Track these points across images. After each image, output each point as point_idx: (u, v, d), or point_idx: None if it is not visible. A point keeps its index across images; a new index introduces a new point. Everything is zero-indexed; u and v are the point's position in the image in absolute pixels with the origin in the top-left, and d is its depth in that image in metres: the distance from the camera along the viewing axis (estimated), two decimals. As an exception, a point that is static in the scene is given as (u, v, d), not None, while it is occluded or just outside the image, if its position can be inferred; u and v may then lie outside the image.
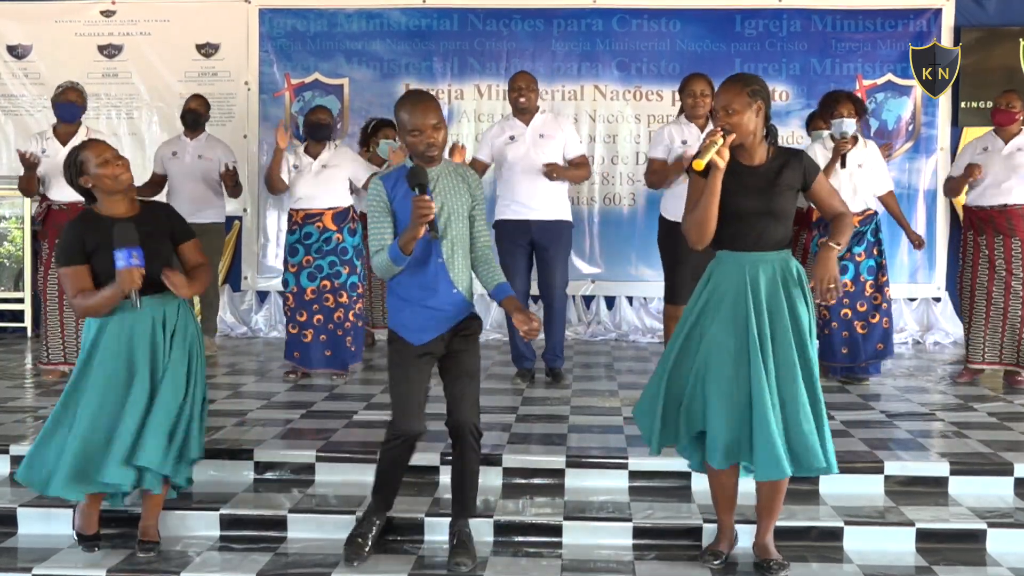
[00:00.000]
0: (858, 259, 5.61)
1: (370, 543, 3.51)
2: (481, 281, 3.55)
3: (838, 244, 3.32)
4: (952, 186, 5.99)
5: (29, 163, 5.72)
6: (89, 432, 3.36)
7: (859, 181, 5.62)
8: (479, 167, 5.81)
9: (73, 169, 3.45)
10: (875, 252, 5.68)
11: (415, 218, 3.18)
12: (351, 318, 5.82)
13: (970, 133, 7.16)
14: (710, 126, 5.49)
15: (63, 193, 5.70)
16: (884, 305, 5.70)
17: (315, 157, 5.80)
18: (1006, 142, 5.73)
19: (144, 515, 3.61)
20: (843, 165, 5.45)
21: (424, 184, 3.23)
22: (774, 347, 3.25)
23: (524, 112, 5.70)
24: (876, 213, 5.74)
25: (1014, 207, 5.68)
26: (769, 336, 3.25)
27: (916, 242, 5.88)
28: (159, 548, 3.59)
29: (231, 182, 6.63)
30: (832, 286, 3.27)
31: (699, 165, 3.22)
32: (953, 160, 6.37)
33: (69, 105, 5.83)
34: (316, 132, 5.79)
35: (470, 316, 3.47)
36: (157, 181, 6.72)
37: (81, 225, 3.43)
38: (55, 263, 3.50)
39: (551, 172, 5.56)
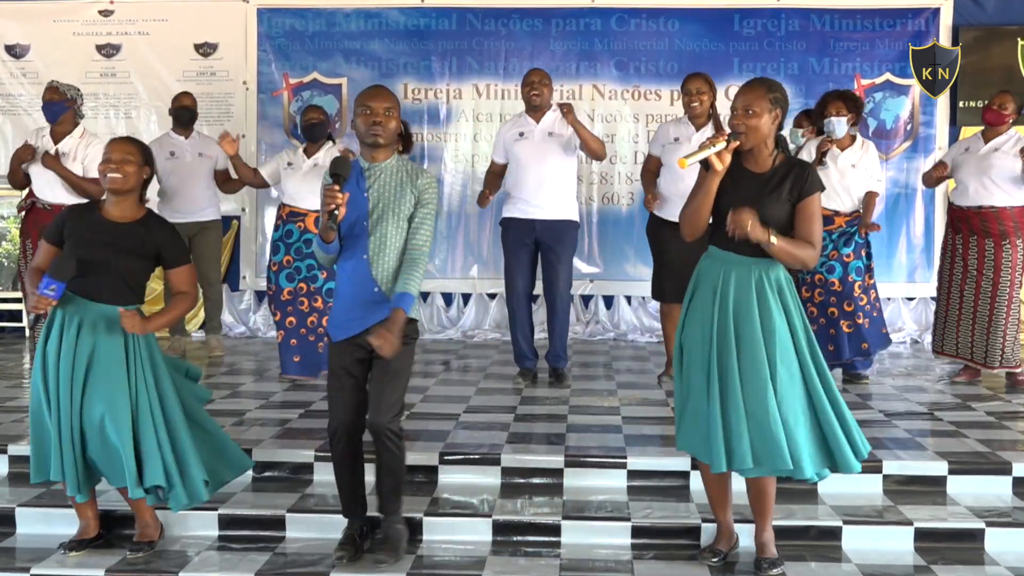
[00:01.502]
0: (846, 260, 5.61)
1: (357, 544, 3.52)
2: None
3: (771, 243, 3.18)
4: (925, 178, 6.20)
5: (23, 156, 5.72)
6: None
7: (852, 181, 5.63)
8: (496, 169, 5.81)
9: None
10: (863, 254, 5.68)
11: (321, 205, 3.26)
12: (324, 323, 5.75)
13: (968, 133, 7.16)
14: (708, 126, 5.50)
15: (49, 193, 5.71)
16: (868, 306, 5.69)
17: (310, 157, 5.78)
18: (987, 143, 5.73)
19: (137, 515, 3.61)
20: (819, 162, 5.49)
21: (339, 175, 3.25)
22: (739, 349, 3.25)
23: (537, 109, 5.66)
24: None
25: (988, 209, 5.67)
26: (734, 337, 3.25)
27: (867, 230, 5.68)
28: (151, 549, 3.58)
29: (244, 171, 6.51)
30: (740, 224, 3.14)
31: (683, 164, 3.22)
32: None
33: (48, 104, 5.77)
34: (311, 132, 5.76)
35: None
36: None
37: (72, 213, 3.53)
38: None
39: (564, 109, 5.47)
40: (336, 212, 3.22)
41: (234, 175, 6.39)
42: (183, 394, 3.55)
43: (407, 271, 3.35)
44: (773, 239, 3.19)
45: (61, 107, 5.77)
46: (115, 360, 3.40)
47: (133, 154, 3.49)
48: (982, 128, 5.85)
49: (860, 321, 5.63)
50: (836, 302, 5.59)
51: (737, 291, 3.29)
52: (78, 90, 5.99)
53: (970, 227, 5.74)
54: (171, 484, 3.40)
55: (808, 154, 5.64)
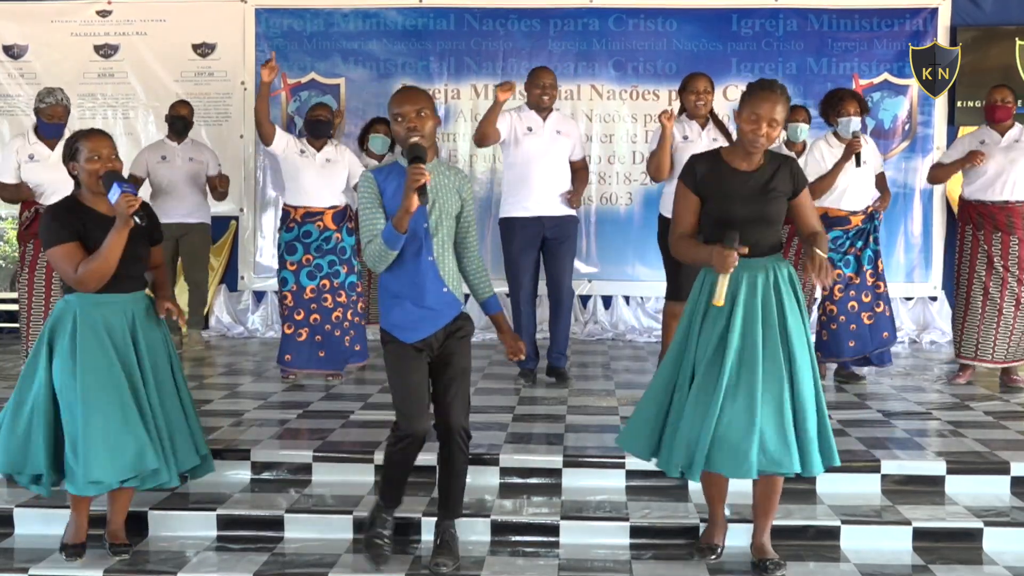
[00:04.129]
0: (859, 252, 5.62)
1: (388, 542, 3.51)
2: (471, 289, 3.54)
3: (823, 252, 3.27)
4: (939, 173, 5.91)
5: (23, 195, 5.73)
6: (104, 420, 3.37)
7: (864, 179, 5.61)
8: (494, 135, 5.62)
9: (67, 151, 3.48)
10: (871, 240, 5.67)
11: (408, 185, 3.15)
12: (350, 317, 5.77)
13: (965, 133, 7.16)
14: (710, 124, 5.49)
15: (55, 199, 5.66)
16: (884, 291, 5.71)
17: (318, 151, 5.77)
18: (1002, 135, 5.70)
19: (112, 518, 3.59)
20: (858, 164, 5.41)
21: (421, 157, 3.22)
22: (765, 352, 3.26)
23: (544, 109, 5.68)
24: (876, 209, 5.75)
25: (1015, 204, 5.65)
26: (760, 341, 3.26)
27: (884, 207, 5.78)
28: (131, 549, 3.56)
29: (224, 187, 6.80)
30: (827, 267, 3.21)
31: (720, 303, 3.20)
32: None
33: (57, 126, 5.71)
34: (316, 129, 5.76)
35: (462, 316, 3.45)
36: (136, 183, 6.69)
37: (67, 212, 3.44)
38: (43, 248, 3.48)
39: (573, 203, 5.67)
40: (425, 187, 3.16)
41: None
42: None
43: (480, 277, 3.54)
44: (822, 252, 3.25)
45: (62, 128, 5.78)
46: (158, 346, 3.54)
47: (115, 148, 3.48)
48: (983, 124, 5.83)
49: (879, 310, 5.65)
50: (855, 295, 5.61)
51: (763, 295, 3.29)
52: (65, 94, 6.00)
53: (994, 223, 5.68)
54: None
55: (831, 156, 5.51)
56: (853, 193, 5.56)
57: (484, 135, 5.58)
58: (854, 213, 5.59)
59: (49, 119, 5.69)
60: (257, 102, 5.68)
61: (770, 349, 3.26)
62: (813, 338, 5.96)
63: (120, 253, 3.35)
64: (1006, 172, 5.64)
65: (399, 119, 3.30)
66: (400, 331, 3.37)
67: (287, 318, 5.73)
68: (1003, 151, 5.66)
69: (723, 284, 3.19)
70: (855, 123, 5.47)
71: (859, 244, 5.63)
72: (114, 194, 3.31)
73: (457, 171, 3.49)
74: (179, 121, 6.78)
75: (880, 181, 5.80)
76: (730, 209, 3.27)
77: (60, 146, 5.68)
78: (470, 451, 3.51)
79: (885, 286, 5.73)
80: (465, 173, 3.53)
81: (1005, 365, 5.76)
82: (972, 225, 5.79)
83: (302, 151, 5.73)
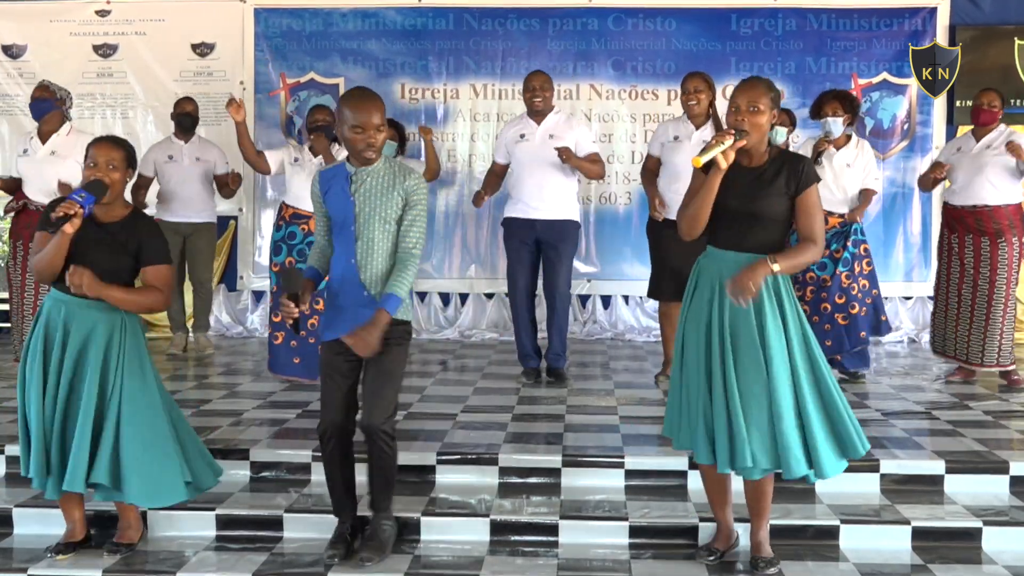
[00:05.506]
0: (836, 255, 5.61)
1: (348, 543, 3.52)
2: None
3: (776, 265, 3.20)
4: (921, 182, 6.19)
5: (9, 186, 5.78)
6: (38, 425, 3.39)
7: (847, 181, 5.63)
8: (498, 169, 5.88)
9: (85, 154, 3.50)
10: (847, 244, 5.61)
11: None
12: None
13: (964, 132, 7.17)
14: (708, 125, 5.50)
15: (41, 193, 5.70)
16: (860, 294, 5.64)
17: (317, 156, 5.76)
18: (978, 141, 5.74)
19: (120, 516, 3.62)
20: (817, 161, 5.50)
21: (293, 292, 3.30)
22: (737, 349, 3.26)
23: (538, 113, 5.69)
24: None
25: (983, 208, 5.69)
26: (731, 338, 3.26)
27: (850, 218, 5.68)
28: (129, 551, 3.57)
29: (236, 185, 6.79)
30: (743, 294, 3.17)
31: (697, 163, 3.22)
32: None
33: (37, 102, 5.77)
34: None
35: (391, 321, 3.33)
36: (145, 184, 6.69)
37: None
38: (38, 227, 3.47)
39: (563, 154, 5.45)
40: (296, 323, 3.38)
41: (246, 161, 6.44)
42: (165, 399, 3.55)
43: (397, 273, 3.33)
44: (775, 267, 3.21)
45: (49, 105, 5.78)
46: (98, 356, 3.39)
47: (118, 160, 3.44)
48: (971, 127, 5.87)
49: (855, 311, 5.63)
50: (827, 297, 5.60)
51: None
52: (68, 92, 6.03)
53: (965, 226, 5.76)
54: (122, 482, 3.37)
55: (807, 151, 5.67)
56: (833, 193, 5.56)
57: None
58: (831, 214, 5.57)
59: (32, 99, 5.77)
60: (239, 142, 5.69)
61: (746, 349, 3.25)
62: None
63: (56, 256, 3.30)
64: (974, 178, 5.69)
65: (358, 130, 3.31)
66: (322, 328, 3.51)
67: (273, 323, 5.60)
68: (973, 158, 5.71)
69: (711, 150, 3.19)
70: (831, 123, 5.55)
71: (835, 246, 5.62)
72: (73, 193, 3.33)
73: (406, 173, 3.40)
74: (186, 119, 6.76)
75: (864, 194, 5.69)
76: (724, 199, 3.29)
77: (51, 141, 5.75)
78: (394, 450, 3.43)
79: (859, 288, 5.63)
80: (418, 174, 3.41)
81: (999, 368, 5.76)
82: (948, 229, 5.91)
83: (295, 159, 5.75)
